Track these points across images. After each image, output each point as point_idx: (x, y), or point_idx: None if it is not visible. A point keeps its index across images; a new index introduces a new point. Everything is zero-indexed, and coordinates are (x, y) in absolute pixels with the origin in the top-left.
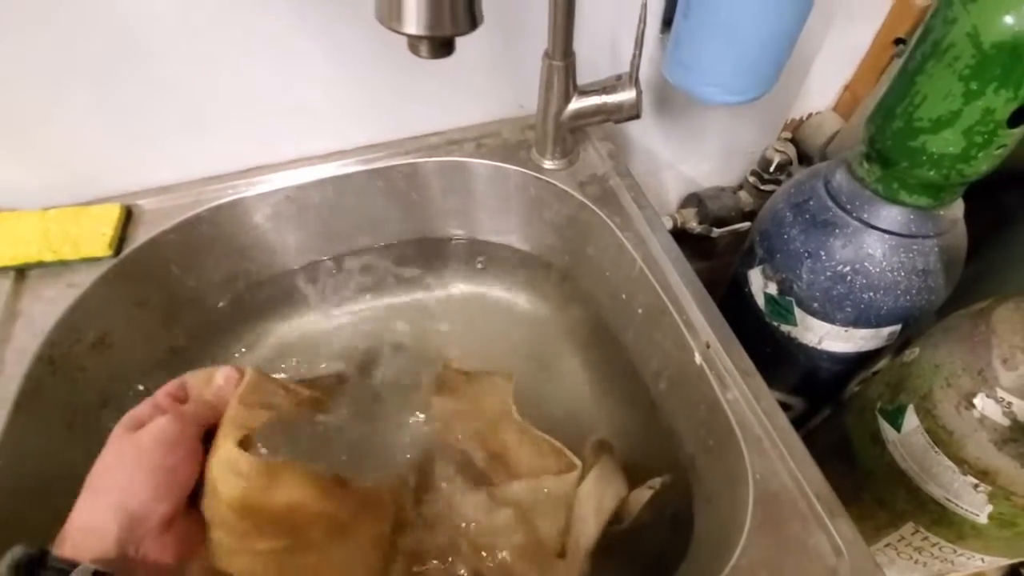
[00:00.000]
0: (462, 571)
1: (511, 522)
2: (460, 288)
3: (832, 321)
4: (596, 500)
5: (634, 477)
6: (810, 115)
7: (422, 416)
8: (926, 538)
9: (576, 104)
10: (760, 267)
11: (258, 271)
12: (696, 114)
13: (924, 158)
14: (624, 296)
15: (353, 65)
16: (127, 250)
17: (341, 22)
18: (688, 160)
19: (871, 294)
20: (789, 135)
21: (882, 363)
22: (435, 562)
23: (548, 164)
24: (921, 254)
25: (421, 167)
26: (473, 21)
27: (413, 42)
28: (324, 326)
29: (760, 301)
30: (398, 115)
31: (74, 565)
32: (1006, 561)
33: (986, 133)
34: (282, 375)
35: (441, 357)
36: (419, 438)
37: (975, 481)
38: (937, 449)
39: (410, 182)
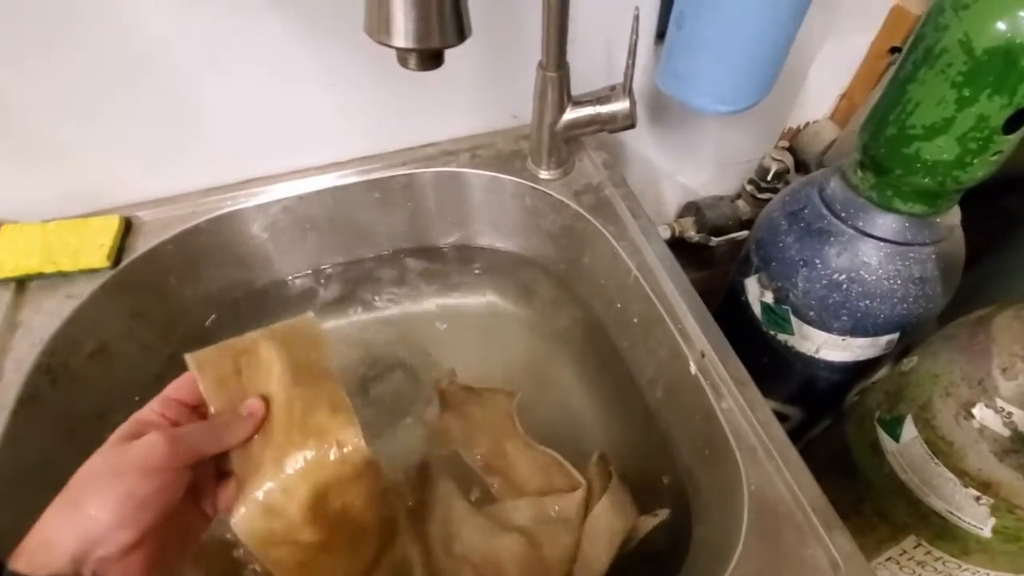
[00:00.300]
0: None
1: (515, 547)
2: (457, 297)
3: (829, 330)
4: (609, 527)
5: (632, 487)
6: (807, 124)
7: (420, 430)
8: (929, 552)
9: (570, 114)
10: (756, 276)
11: (256, 281)
12: (692, 123)
13: (918, 165)
14: (619, 305)
15: (349, 77)
16: (125, 261)
17: (336, 35)
18: (685, 169)
19: (867, 302)
20: (786, 144)
21: (881, 372)
22: None
23: (543, 174)
24: (917, 262)
25: (417, 178)
26: (461, 33)
27: (402, 55)
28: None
29: (757, 310)
30: (394, 126)
31: None
32: None
33: (981, 139)
34: None
35: (439, 366)
36: (419, 452)
37: (977, 493)
38: (937, 460)
39: (406, 193)
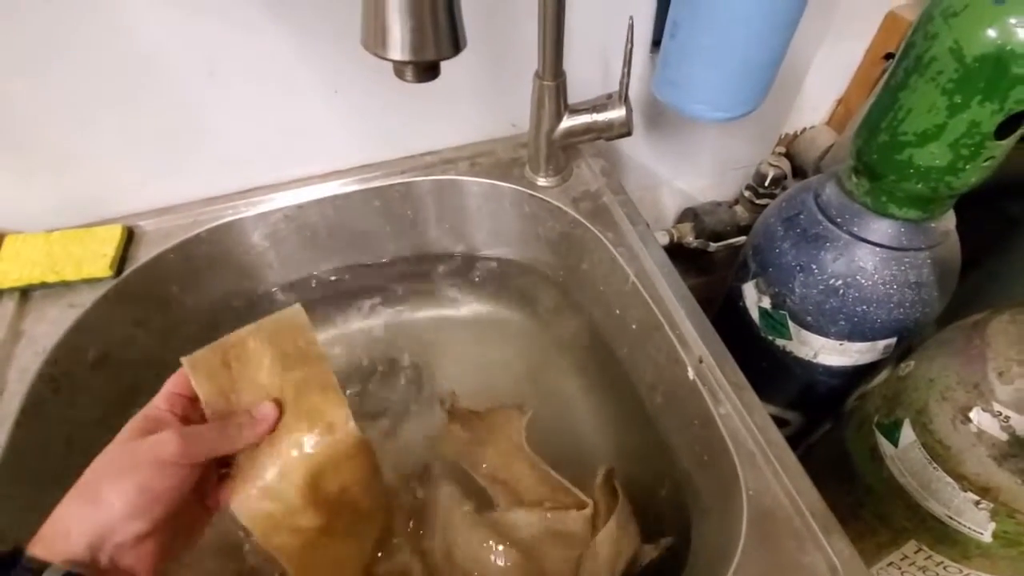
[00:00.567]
0: None
1: (515, 559)
2: (456, 305)
3: (826, 335)
4: (613, 552)
5: (631, 493)
6: (804, 129)
7: (421, 438)
8: (929, 557)
9: (567, 122)
10: (753, 281)
11: (257, 289)
12: (689, 130)
13: (911, 171)
14: (618, 311)
15: (349, 87)
16: (128, 270)
17: (336, 45)
18: (683, 175)
19: (864, 307)
20: (783, 150)
21: (880, 376)
22: None
23: (541, 181)
24: (913, 267)
25: (416, 186)
26: (456, 45)
27: (398, 67)
28: (322, 343)
29: (755, 315)
30: (393, 135)
31: (46, 565)
32: None
33: (973, 145)
34: None
35: (438, 379)
36: (419, 460)
37: (976, 498)
38: (935, 465)
39: (406, 201)
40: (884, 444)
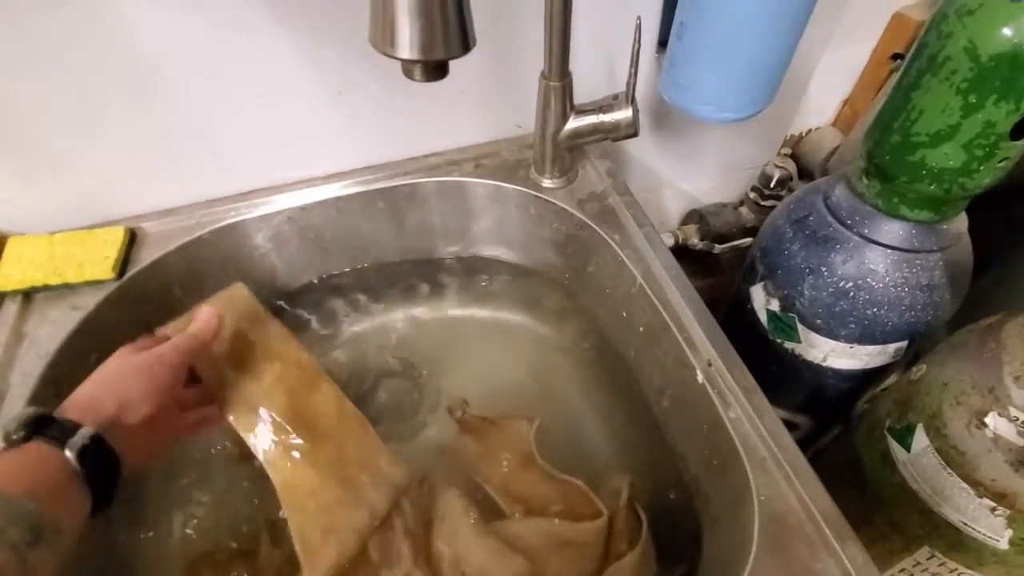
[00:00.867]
0: None
1: (522, 569)
2: (461, 307)
3: (836, 338)
4: None
5: (641, 499)
6: (810, 131)
7: (428, 443)
8: (943, 563)
9: (573, 123)
10: (762, 283)
11: (260, 292)
12: (695, 131)
13: (924, 172)
14: (625, 314)
15: (353, 88)
16: (130, 272)
17: (340, 45)
18: (689, 177)
19: (875, 310)
20: (789, 151)
21: (891, 380)
22: None
23: (547, 183)
24: (925, 269)
25: (421, 187)
26: (466, 44)
27: (407, 66)
28: (326, 346)
29: (763, 318)
30: (398, 136)
31: (78, 426)
32: None
33: (987, 146)
34: None
35: (444, 385)
36: (424, 465)
37: (992, 504)
38: (950, 470)
39: (410, 202)
40: (896, 449)
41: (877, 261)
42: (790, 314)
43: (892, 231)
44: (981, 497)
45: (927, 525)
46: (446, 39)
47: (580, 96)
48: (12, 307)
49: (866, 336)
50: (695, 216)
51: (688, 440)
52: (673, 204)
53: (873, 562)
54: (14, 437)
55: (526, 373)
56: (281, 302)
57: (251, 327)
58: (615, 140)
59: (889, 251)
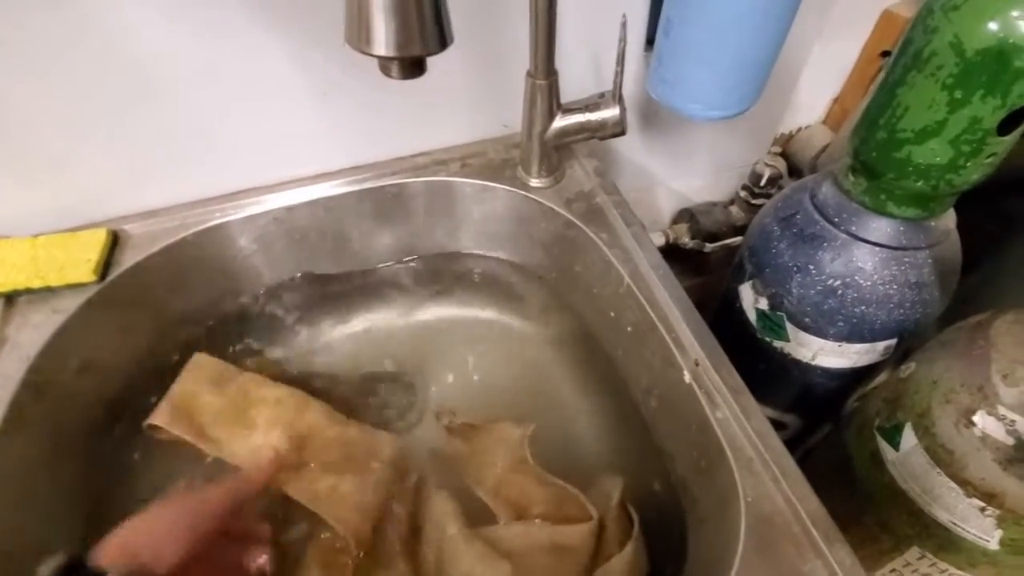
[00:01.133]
0: None
1: (514, 574)
2: (449, 307)
3: (825, 336)
4: None
5: (628, 499)
6: (799, 129)
7: (422, 447)
8: (934, 564)
9: (560, 122)
10: (750, 282)
11: (245, 294)
12: (684, 130)
13: (910, 169)
14: (613, 314)
15: (338, 87)
16: (112, 275)
17: (324, 46)
18: (679, 175)
19: (863, 308)
20: (779, 149)
21: (880, 378)
22: None
23: (534, 182)
24: (913, 266)
25: (408, 187)
26: (443, 40)
27: (384, 63)
28: (313, 347)
29: (752, 317)
30: (384, 136)
31: (104, 574)
32: None
33: (974, 142)
34: None
35: (433, 378)
36: (416, 468)
37: (981, 504)
38: (939, 469)
39: (397, 202)
40: (885, 448)
41: (865, 259)
42: (778, 313)
43: (880, 228)
44: (970, 496)
45: (917, 525)
46: (422, 35)
47: (567, 95)
48: None
49: (855, 334)
50: (686, 215)
51: (676, 440)
52: (664, 203)
53: (863, 563)
54: None
55: (513, 373)
56: (266, 305)
57: (226, 386)
58: (603, 139)
59: (877, 248)
